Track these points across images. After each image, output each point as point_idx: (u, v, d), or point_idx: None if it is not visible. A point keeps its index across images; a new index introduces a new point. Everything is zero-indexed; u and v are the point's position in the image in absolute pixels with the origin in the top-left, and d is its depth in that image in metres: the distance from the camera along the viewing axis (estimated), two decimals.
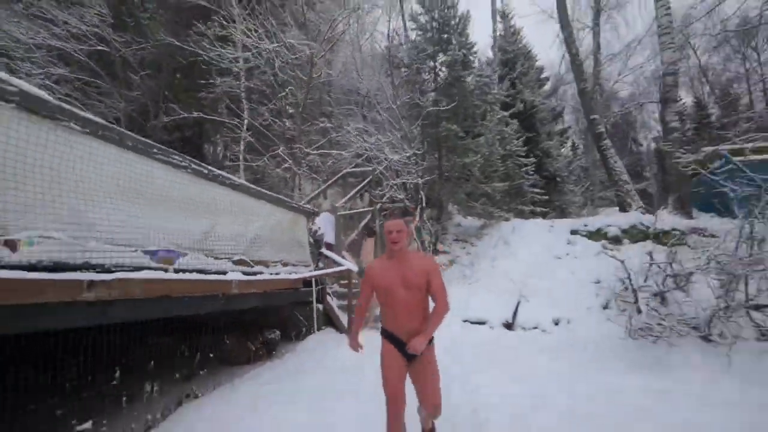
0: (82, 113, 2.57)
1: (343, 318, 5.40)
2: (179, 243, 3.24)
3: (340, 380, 3.55)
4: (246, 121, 8.96)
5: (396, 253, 2.18)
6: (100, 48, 9.66)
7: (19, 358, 2.36)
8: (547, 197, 14.47)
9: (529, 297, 5.82)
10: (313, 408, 3.06)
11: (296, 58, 8.55)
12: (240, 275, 3.83)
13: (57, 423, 2.33)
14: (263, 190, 4.65)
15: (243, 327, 4.52)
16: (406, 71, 10.10)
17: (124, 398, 2.80)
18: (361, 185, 7.97)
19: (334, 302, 5.80)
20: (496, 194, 9.52)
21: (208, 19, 9.75)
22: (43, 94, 2.36)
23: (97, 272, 2.46)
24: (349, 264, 5.47)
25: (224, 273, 3.67)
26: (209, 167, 3.80)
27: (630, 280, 4.12)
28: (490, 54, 19.77)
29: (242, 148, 8.93)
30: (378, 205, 7.87)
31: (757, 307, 4.12)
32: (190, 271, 3.26)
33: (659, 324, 3.71)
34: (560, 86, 26.11)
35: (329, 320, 5.67)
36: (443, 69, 9.68)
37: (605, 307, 5.10)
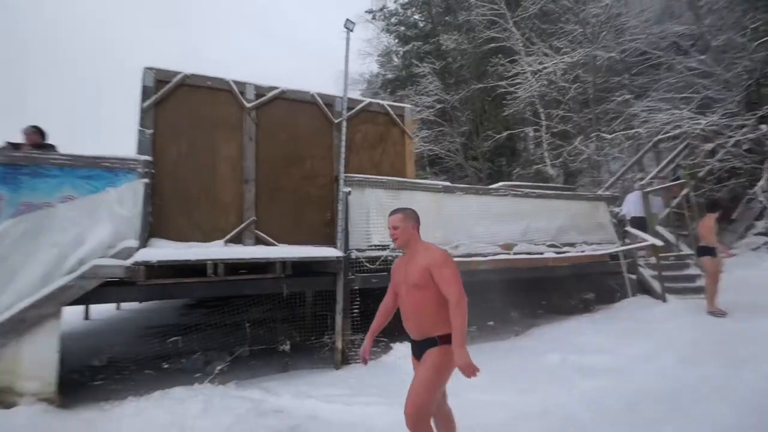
0: (462, 185, 5.61)
1: (656, 285, 6.10)
2: (512, 237, 5.77)
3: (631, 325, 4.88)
4: (544, 125, 10.77)
5: (405, 248, 2.14)
6: (440, 106, 14.64)
7: None
8: None
9: None
10: (616, 340, 4.63)
11: (573, 63, 9.42)
12: (552, 254, 5.88)
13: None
14: (560, 192, 6.48)
15: (563, 289, 6.53)
16: None
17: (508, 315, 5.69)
18: (666, 160, 7.65)
19: (647, 272, 6.52)
20: None
21: (499, 53, 12.44)
22: (446, 183, 5.53)
23: (482, 257, 5.33)
24: (652, 239, 6.08)
25: (541, 253, 5.86)
26: (521, 189, 6.15)
27: None
28: None
29: (545, 147, 10.80)
30: (693, 176, 7.29)
31: None
32: (521, 253, 5.70)
33: None
34: None
35: (645, 289, 6.47)
36: None
37: None
